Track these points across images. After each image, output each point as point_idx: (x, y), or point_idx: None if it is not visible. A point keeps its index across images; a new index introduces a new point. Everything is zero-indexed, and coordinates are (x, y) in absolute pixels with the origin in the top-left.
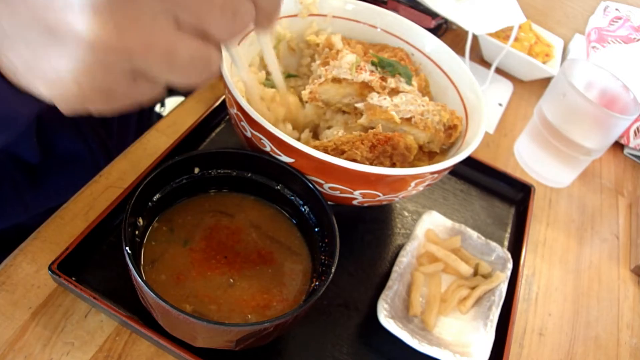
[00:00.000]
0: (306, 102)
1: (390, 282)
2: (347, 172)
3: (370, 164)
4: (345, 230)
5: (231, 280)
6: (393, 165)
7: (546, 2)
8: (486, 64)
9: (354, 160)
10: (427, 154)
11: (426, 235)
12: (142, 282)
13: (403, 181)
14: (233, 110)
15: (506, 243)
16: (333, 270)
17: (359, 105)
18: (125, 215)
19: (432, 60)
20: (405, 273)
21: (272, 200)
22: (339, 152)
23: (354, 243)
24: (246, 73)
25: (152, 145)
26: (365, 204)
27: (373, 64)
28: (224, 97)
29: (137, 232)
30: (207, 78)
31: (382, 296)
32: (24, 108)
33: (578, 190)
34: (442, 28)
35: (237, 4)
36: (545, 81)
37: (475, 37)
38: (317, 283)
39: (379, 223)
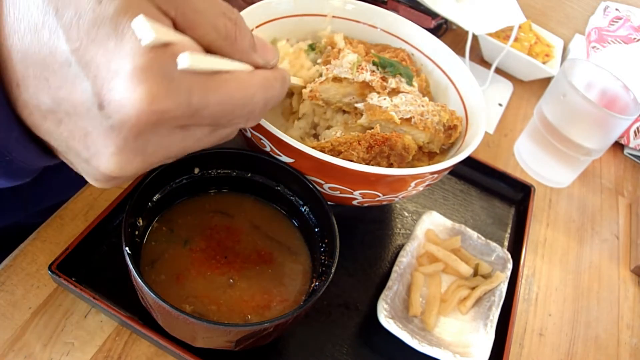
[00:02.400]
0: (305, 100)
1: (390, 282)
2: (347, 172)
3: (367, 164)
4: (345, 230)
5: (231, 281)
6: (390, 165)
7: (546, 2)
8: (486, 64)
9: (350, 161)
10: (427, 154)
11: (426, 235)
12: (142, 283)
13: (403, 181)
14: None
15: (506, 243)
16: (333, 270)
17: (359, 105)
18: (125, 215)
19: (432, 61)
20: (405, 273)
21: (272, 201)
22: (335, 153)
23: (354, 243)
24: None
25: None
26: (365, 204)
27: (374, 64)
28: None
29: (137, 232)
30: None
31: (382, 296)
32: (40, 162)
33: (578, 190)
34: (442, 28)
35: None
36: (545, 81)
37: (475, 37)
38: (317, 283)
39: (379, 223)
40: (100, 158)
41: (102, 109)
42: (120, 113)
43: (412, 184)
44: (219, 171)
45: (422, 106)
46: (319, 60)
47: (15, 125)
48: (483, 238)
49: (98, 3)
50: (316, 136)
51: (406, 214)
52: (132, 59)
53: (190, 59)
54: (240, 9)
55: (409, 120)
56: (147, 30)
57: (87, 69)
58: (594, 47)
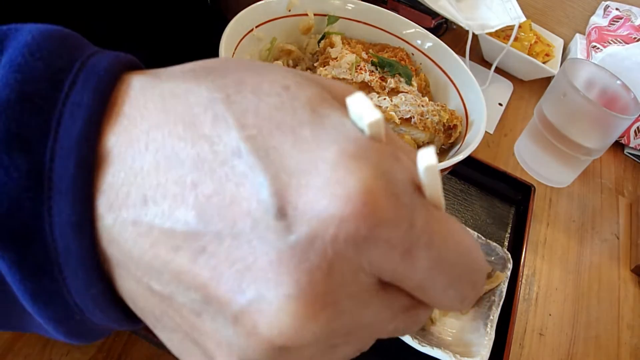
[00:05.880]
0: None
1: None
2: None
3: None
4: None
5: None
6: None
7: (546, 2)
8: (486, 64)
9: None
10: None
11: None
12: None
13: None
14: None
15: (506, 243)
16: None
17: None
18: None
19: (432, 60)
20: None
21: None
22: None
23: None
24: None
25: None
26: None
27: (373, 63)
28: None
29: None
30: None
31: None
32: (122, 326)
33: (578, 190)
34: (442, 28)
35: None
36: (545, 81)
37: (475, 37)
38: None
39: None
40: (265, 308)
41: (282, 217)
42: (313, 220)
43: None
44: None
45: (422, 106)
46: (316, 64)
47: (96, 278)
48: (483, 238)
49: (285, 88)
50: None
51: None
52: (340, 144)
53: (434, 159)
54: None
55: (408, 120)
56: (368, 107)
57: (266, 159)
58: (594, 47)
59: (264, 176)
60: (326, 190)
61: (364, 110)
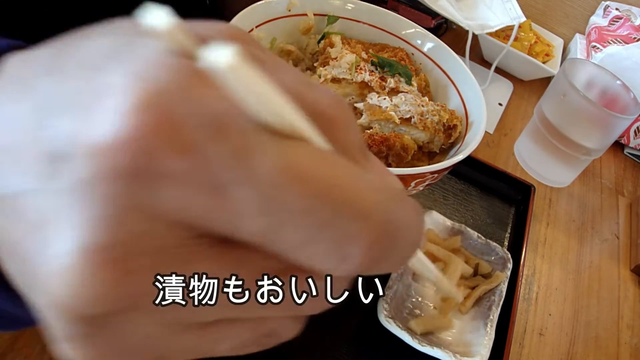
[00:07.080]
0: None
1: (390, 282)
2: None
3: None
4: None
5: None
6: (389, 165)
7: (546, 2)
8: (486, 64)
9: None
10: (427, 154)
11: (426, 235)
12: None
13: (403, 181)
14: None
15: (506, 243)
16: None
17: (359, 105)
18: None
19: (432, 60)
20: (405, 273)
21: None
22: None
23: None
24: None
25: None
26: None
27: (373, 63)
28: None
29: None
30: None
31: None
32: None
33: (578, 190)
34: (442, 28)
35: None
36: (545, 81)
37: (475, 37)
38: None
39: None
40: (50, 269)
41: (57, 160)
42: (83, 157)
43: (412, 184)
44: None
45: (422, 106)
46: (316, 64)
47: None
48: (483, 238)
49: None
50: None
51: None
52: (130, 66)
53: (238, 59)
54: None
55: (408, 120)
56: (163, 16)
57: (56, 101)
58: (594, 47)
59: (50, 121)
60: (98, 119)
61: (154, 19)
